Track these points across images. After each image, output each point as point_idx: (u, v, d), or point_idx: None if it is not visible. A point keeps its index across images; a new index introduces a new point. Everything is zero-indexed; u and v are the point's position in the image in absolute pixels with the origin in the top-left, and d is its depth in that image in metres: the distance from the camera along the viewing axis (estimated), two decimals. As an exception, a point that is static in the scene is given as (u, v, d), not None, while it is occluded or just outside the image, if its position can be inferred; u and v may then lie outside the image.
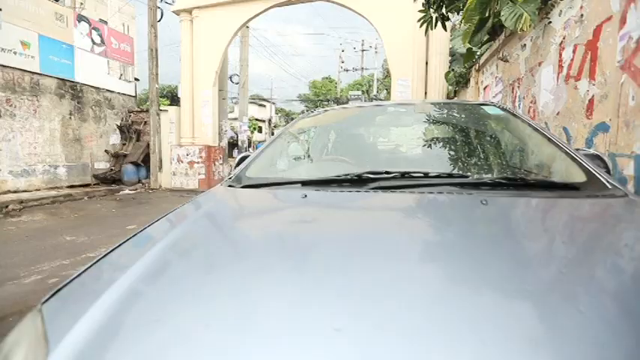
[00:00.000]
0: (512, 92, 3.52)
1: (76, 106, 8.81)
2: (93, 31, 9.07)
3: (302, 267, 0.67)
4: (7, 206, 6.74)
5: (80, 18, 8.82)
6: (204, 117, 8.98)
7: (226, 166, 9.87)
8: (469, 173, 1.23)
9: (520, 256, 0.69)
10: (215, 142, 9.22)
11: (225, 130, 10.59)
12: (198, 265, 0.75)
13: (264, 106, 34.56)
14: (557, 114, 2.53)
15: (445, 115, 1.91)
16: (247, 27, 10.99)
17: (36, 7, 7.72)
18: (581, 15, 2.23)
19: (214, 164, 9.06)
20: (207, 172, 8.91)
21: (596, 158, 1.40)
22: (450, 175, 1.20)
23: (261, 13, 8.40)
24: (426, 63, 7.46)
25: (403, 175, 1.11)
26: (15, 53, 7.35)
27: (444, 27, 5.28)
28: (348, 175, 1.13)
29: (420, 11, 5.24)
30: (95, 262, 0.77)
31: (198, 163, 8.92)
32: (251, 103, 23.14)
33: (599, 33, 2.03)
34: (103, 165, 9.61)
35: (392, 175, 1.10)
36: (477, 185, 1.10)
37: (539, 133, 1.51)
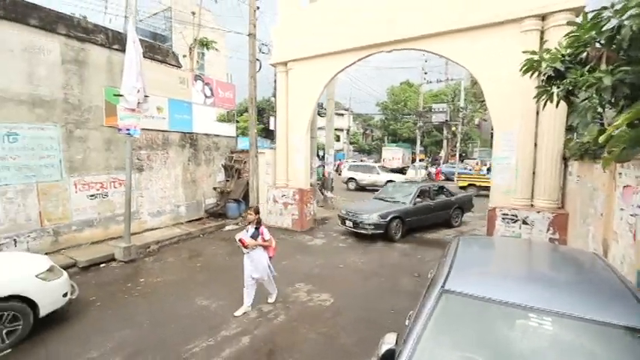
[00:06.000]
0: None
1: (193, 153, 10.34)
2: (205, 86, 10.49)
3: None
4: (149, 247, 8.33)
5: (196, 77, 10.28)
6: (297, 162, 9.65)
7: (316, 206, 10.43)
8: None
9: None
10: (307, 184, 9.84)
11: (315, 166, 11.19)
12: None
13: (342, 115, 35.21)
14: None
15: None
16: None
17: (167, 76, 9.27)
18: None
19: (306, 206, 9.69)
20: (300, 213, 9.58)
21: None
22: None
23: (351, 64, 8.62)
24: (537, 113, 6.71)
25: None
26: (153, 117, 8.97)
27: (568, 104, 4.75)
28: None
29: (537, 87, 4.79)
30: None
31: (292, 204, 9.66)
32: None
33: None
34: (211, 200, 11.09)
35: None
36: None
37: None
